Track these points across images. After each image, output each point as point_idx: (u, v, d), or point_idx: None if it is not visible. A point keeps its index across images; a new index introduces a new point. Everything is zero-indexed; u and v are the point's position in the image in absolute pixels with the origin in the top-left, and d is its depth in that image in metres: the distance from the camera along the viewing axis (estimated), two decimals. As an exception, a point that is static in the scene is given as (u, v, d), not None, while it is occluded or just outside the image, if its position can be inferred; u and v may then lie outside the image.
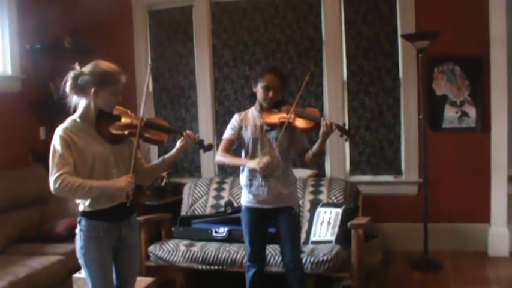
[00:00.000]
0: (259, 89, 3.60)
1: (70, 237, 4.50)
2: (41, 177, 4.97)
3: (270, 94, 3.57)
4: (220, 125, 5.83)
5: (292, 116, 3.53)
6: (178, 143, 3.12)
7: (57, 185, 2.78)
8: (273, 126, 3.59)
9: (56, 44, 5.55)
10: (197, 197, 5.23)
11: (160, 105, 6.04)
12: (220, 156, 3.66)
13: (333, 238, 4.48)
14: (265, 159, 3.46)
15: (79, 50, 5.66)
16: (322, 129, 3.45)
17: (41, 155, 5.18)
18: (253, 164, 3.51)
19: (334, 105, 5.51)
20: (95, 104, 2.93)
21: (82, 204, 2.96)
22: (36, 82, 5.38)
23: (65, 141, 2.82)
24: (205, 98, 5.86)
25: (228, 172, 5.78)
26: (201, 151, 3.30)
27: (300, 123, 3.55)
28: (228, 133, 3.71)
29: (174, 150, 3.12)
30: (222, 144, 3.69)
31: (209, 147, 3.26)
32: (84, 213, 2.97)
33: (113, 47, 5.83)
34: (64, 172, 2.79)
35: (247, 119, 3.69)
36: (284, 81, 3.66)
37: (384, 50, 5.41)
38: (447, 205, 5.37)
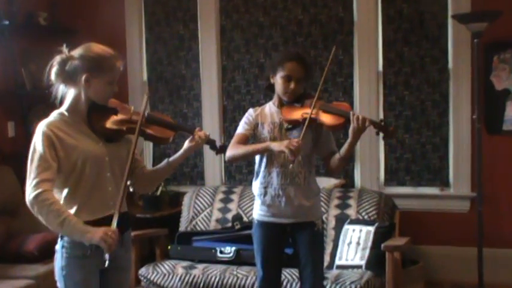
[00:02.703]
0: (278, 80, 3.61)
1: (43, 256, 4.53)
2: (8, 182, 4.98)
3: (292, 86, 3.57)
4: (228, 122, 5.82)
5: (316, 110, 3.52)
6: (187, 143, 3.16)
7: (34, 194, 2.75)
8: (294, 124, 3.59)
9: (28, 21, 5.53)
10: (199, 209, 5.27)
11: (157, 97, 6.04)
12: (232, 150, 3.62)
13: (363, 262, 4.48)
14: (298, 141, 3.39)
15: (57, 28, 5.67)
16: (352, 125, 3.43)
17: (10, 155, 5.19)
18: (279, 145, 3.45)
19: (367, 101, 5.49)
20: (86, 95, 2.93)
21: (66, 215, 2.95)
22: (4, 67, 5.35)
23: (49, 139, 2.82)
24: (210, 90, 5.85)
25: (237, 180, 5.79)
26: (214, 153, 3.38)
27: (326, 119, 3.54)
28: (242, 128, 3.70)
29: (181, 151, 3.16)
30: (235, 139, 3.68)
31: (222, 149, 3.35)
32: None
33: (99, 26, 5.86)
34: (45, 179, 2.77)
35: (264, 116, 3.70)
36: (308, 70, 3.67)
37: (429, 33, 5.36)
38: (507, 226, 5.30)
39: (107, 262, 2.83)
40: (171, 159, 3.17)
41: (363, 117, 3.43)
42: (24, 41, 5.44)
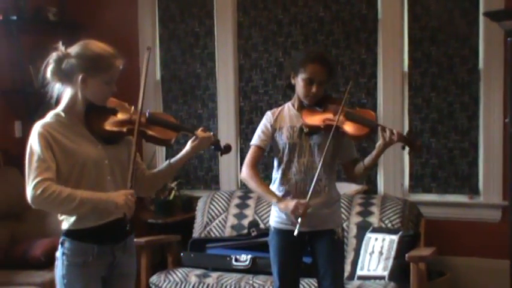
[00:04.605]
0: (299, 82, 3.61)
1: (49, 262, 4.53)
2: (14, 184, 5.01)
3: (313, 89, 3.57)
4: (245, 124, 5.81)
5: (341, 118, 3.53)
6: (189, 144, 3.18)
7: (38, 192, 2.75)
8: (315, 130, 3.59)
9: (37, 16, 5.59)
10: (214, 214, 5.27)
11: (170, 97, 6.05)
12: (246, 174, 3.68)
13: (385, 273, 4.47)
14: (304, 204, 3.42)
15: (67, 24, 5.72)
16: (381, 139, 3.47)
17: (16, 156, 5.17)
18: (285, 206, 3.49)
19: (391, 103, 5.45)
20: (83, 95, 2.94)
21: (66, 221, 2.96)
22: (11, 64, 5.41)
23: (45, 140, 2.82)
24: (226, 90, 5.85)
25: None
26: (218, 154, 3.40)
27: (350, 128, 3.55)
28: (257, 138, 3.71)
29: (183, 152, 3.18)
30: (250, 154, 3.71)
31: (227, 149, 3.35)
32: (68, 233, 2.96)
33: (110, 22, 5.88)
34: (46, 178, 2.77)
35: (283, 119, 3.69)
36: (331, 72, 3.66)
37: (459, 32, 5.30)
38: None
39: (128, 226, 2.93)
40: (172, 160, 3.19)
41: (397, 133, 3.45)
42: (33, 37, 5.48)
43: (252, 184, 3.65)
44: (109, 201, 2.85)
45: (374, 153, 3.53)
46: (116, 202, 2.84)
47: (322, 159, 3.52)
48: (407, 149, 3.58)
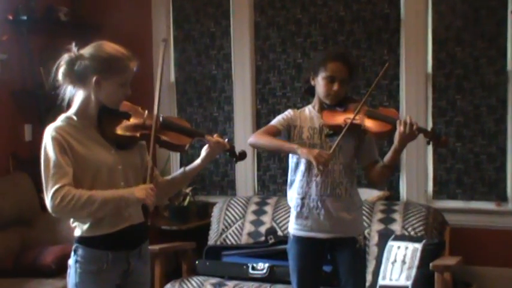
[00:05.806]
0: (320, 82, 3.60)
1: (60, 270, 4.55)
2: (24, 189, 5.04)
3: (335, 87, 3.56)
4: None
5: (361, 115, 3.51)
6: (204, 151, 3.20)
7: (57, 201, 2.76)
8: (336, 130, 3.56)
9: (48, 16, 5.59)
10: (230, 221, 5.27)
11: (185, 100, 6.05)
12: (257, 137, 3.66)
13: (409, 283, 4.43)
14: (329, 154, 3.40)
15: (78, 24, 5.72)
16: (399, 129, 3.40)
17: (26, 160, 5.24)
18: (308, 151, 3.44)
19: (414, 106, 5.42)
20: (97, 97, 2.93)
21: (79, 228, 2.96)
22: (21, 65, 5.41)
23: (60, 144, 2.82)
24: (243, 93, 5.85)
25: (271, 190, 5.77)
26: (233, 160, 3.40)
27: (371, 125, 3.53)
28: (277, 121, 3.71)
29: (198, 160, 3.20)
30: (264, 128, 3.71)
31: (242, 156, 3.35)
32: (82, 240, 2.96)
33: (123, 22, 5.89)
34: (64, 185, 2.78)
35: (304, 119, 3.69)
36: (353, 71, 3.65)
37: (485, 31, 5.26)
38: None
39: (149, 220, 3.08)
40: (187, 168, 3.20)
41: (411, 122, 3.39)
42: (43, 37, 5.50)
43: (264, 140, 3.61)
44: (130, 196, 2.88)
45: (393, 147, 3.47)
46: (136, 196, 2.87)
47: (339, 156, 3.54)
48: (432, 144, 3.55)
